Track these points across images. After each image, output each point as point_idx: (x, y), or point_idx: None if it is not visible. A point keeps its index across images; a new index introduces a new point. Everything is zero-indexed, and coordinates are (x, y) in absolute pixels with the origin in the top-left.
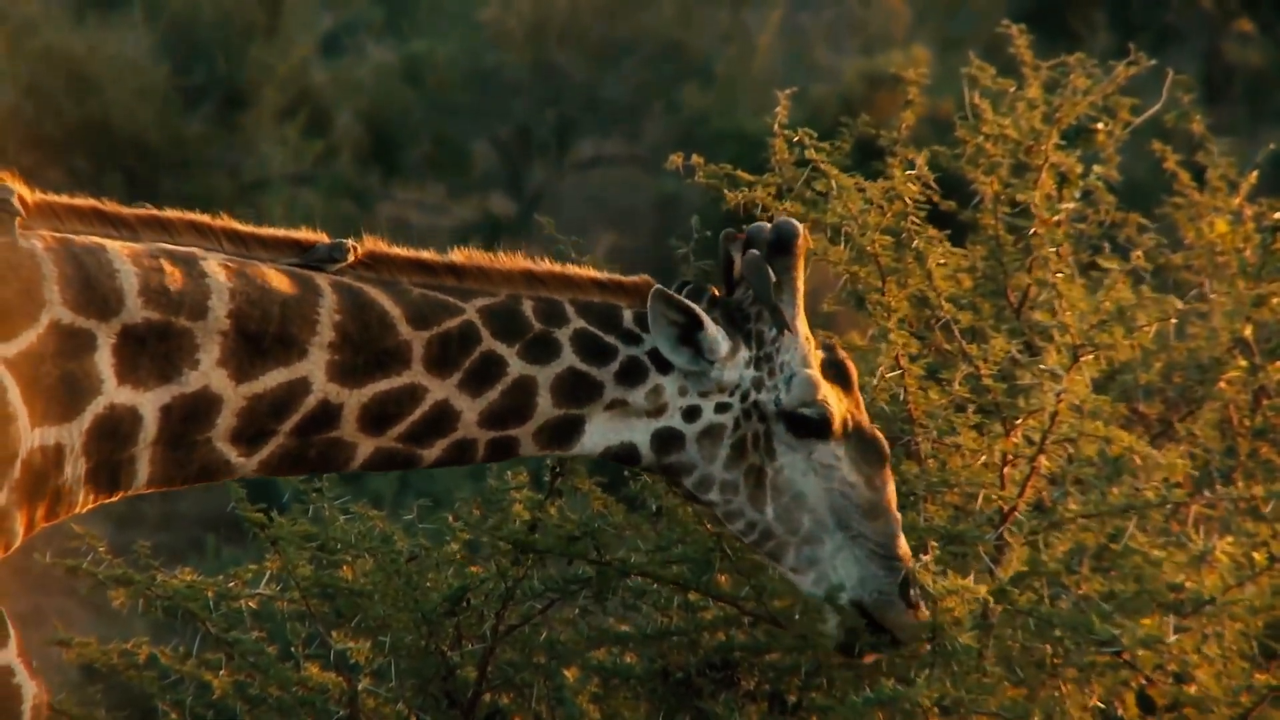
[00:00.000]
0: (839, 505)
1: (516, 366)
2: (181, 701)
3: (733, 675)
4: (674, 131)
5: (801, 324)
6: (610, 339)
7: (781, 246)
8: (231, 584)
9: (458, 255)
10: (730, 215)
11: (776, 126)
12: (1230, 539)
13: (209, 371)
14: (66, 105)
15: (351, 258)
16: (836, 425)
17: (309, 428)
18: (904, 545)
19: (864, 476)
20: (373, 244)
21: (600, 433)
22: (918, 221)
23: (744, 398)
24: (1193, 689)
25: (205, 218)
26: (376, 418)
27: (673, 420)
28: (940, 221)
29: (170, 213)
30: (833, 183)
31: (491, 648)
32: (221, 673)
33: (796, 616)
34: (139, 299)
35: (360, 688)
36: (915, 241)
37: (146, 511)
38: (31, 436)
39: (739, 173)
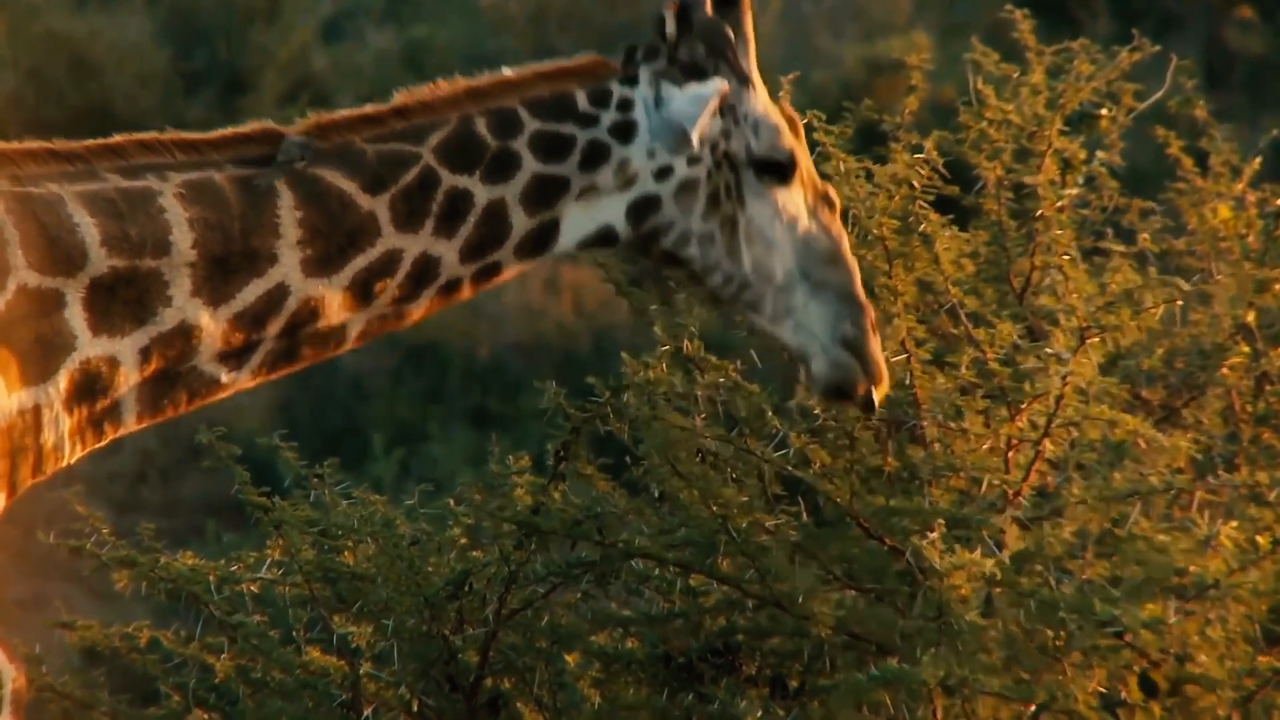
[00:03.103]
0: (803, 253)
1: (482, 194)
2: (184, 684)
3: (734, 660)
4: None
5: (755, 74)
6: (567, 129)
7: (728, 1)
8: (234, 568)
9: (400, 97)
10: None
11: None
12: (1234, 524)
13: (184, 305)
14: (68, 90)
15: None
16: (801, 168)
17: (296, 326)
18: (861, 291)
19: (821, 225)
20: (315, 117)
21: (575, 226)
22: (924, 205)
23: (714, 148)
24: (1196, 672)
25: (154, 134)
26: (362, 292)
27: (645, 187)
28: (943, 206)
29: (119, 138)
30: (840, 165)
31: (494, 632)
32: (224, 656)
33: (800, 600)
34: (102, 249)
35: (362, 672)
36: (922, 226)
37: (148, 496)
38: (9, 404)
39: None
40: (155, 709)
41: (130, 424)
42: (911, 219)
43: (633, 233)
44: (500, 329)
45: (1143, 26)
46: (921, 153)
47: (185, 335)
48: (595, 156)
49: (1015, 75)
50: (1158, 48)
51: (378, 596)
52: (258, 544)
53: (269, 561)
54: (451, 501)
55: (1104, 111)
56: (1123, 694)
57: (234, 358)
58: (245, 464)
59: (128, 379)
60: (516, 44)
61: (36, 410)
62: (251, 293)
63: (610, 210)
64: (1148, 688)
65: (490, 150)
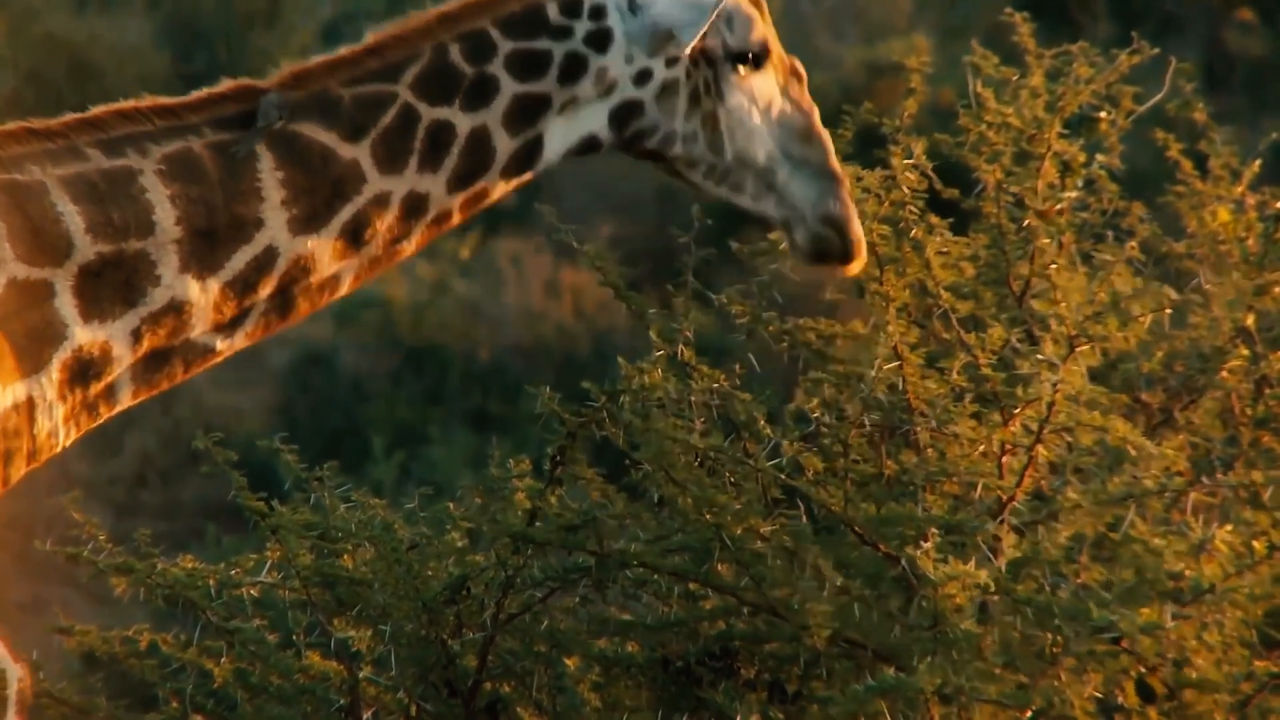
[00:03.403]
0: (780, 135)
1: (464, 123)
2: (182, 690)
3: (732, 664)
4: None
5: None
6: (542, 45)
7: None
8: (232, 572)
9: (372, 35)
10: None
11: None
12: (1230, 527)
13: (172, 283)
14: (67, 92)
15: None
16: (773, 53)
17: (288, 284)
18: (836, 163)
19: (793, 103)
20: (290, 67)
21: (558, 139)
22: (916, 210)
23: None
24: (1192, 677)
25: (131, 103)
26: (352, 240)
27: (626, 92)
28: (943, 210)
29: (97, 110)
30: None
31: (492, 636)
32: (222, 661)
33: (795, 606)
34: (87, 236)
35: (361, 676)
36: (913, 230)
37: (147, 499)
38: (3, 400)
39: None
40: (154, 714)
41: (126, 401)
42: (902, 224)
43: (616, 138)
44: (500, 331)
45: (1143, 29)
46: (912, 158)
47: (176, 311)
48: (573, 69)
49: (1014, 78)
50: (1157, 50)
51: (376, 601)
52: (257, 547)
53: (267, 566)
54: (450, 506)
55: (1103, 114)
56: (1119, 699)
57: (228, 326)
58: (245, 467)
59: (121, 361)
60: None
61: (30, 402)
62: (240, 260)
63: (592, 119)
64: (1145, 693)
65: (467, 78)
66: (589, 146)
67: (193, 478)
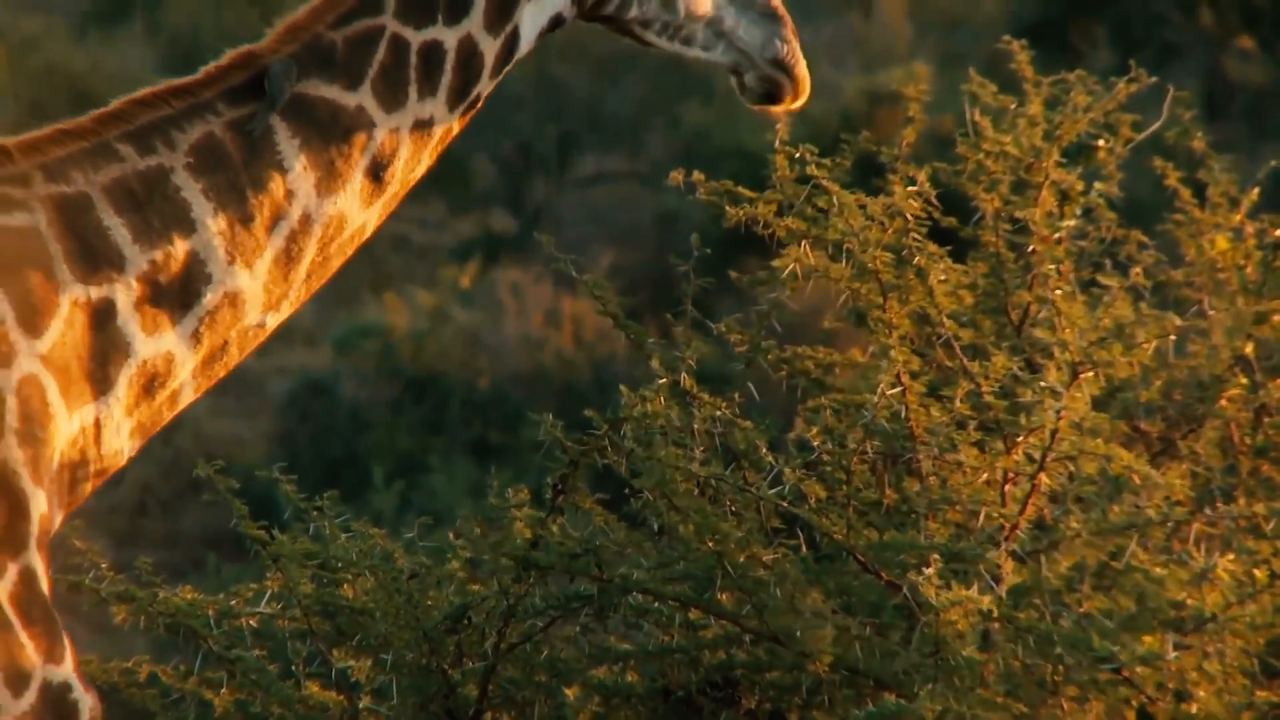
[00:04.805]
0: None
1: (451, 38)
2: (183, 719)
3: (734, 694)
4: (675, 148)
5: None
6: None
7: None
8: (233, 602)
9: None
10: (731, 232)
11: (777, 143)
12: (1231, 556)
13: (223, 277)
14: None
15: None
16: None
17: (327, 244)
18: (779, 2)
19: None
20: (283, 24)
21: (530, 25)
22: (919, 238)
23: None
24: (1194, 707)
25: (147, 90)
26: (375, 184)
27: None
28: (941, 238)
29: (117, 103)
30: (834, 199)
31: (493, 665)
32: (223, 691)
33: (798, 635)
34: (135, 246)
35: (361, 706)
36: (916, 258)
37: (148, 528)
38: (70, 426)
39: (740, 189)
40: None
41: (189, 399)
42: (906, 252)
43: (578, 10)
44: (500, 360)
45: (1143, 57)
46: (915, 185)
47: (231, 304)
48: None
49: (1013, 106)
50: (1155, 79)
51: (377, 630)
52: (258, 576)
53: (267, 595)
54: (451, 535)
55: (1102, 142)
56: None
57: (275, 304)
58: (245, 496)
59: (185, 366)
60: (517, 73)
61: (98, 424)
62: (280, 236)
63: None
64: None
65: None
66: (555, 24)
67: (193, 507)
